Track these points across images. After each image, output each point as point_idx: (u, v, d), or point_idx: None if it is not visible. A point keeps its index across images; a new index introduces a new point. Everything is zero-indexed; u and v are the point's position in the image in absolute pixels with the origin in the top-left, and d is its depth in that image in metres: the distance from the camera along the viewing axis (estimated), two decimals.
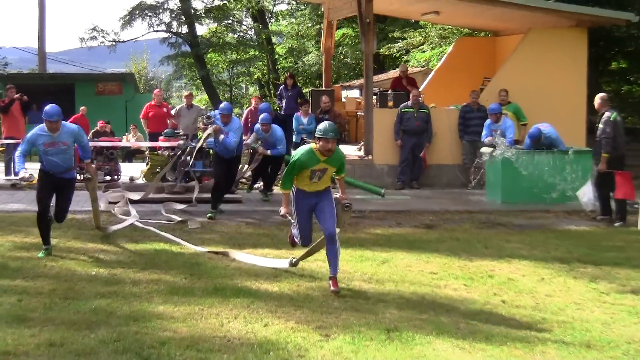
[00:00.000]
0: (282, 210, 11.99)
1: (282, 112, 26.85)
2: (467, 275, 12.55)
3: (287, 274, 12.17)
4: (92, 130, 25.77)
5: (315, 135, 11.56)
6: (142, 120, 26.87)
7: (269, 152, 19.76)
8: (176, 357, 7.95)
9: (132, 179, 24.50)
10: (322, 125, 11.50)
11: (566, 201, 19.82)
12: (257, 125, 19.85)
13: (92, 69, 53.16)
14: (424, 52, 36.01)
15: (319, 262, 13.00)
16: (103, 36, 52.52)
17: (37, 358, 7.76)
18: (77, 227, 15.89)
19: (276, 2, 50.21)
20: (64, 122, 13.61)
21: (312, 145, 11.63)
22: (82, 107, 28.59)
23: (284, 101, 26.91)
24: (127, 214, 17.17)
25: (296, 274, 12.24)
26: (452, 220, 18.39)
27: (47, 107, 13.26)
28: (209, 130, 18.15)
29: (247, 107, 28.57)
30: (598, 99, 18.83)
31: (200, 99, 52.28)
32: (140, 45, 60.57)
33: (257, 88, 55.51)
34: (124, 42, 54.05)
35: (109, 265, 12.38)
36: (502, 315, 10.23)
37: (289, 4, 50.99)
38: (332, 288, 11.06)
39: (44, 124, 13.27)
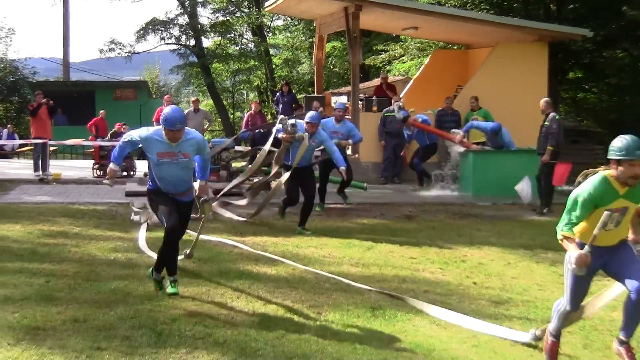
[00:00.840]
0: (577, 264, 6.96)
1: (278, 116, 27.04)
2: (443, 260, 12.63)
3: (284, 260, 12.09)
4: (111, 132, 25.74)
5: (611, 157, 7.08)
6: (155, 122, 26.93)
7: (350, 141, 18.66)
8: (186, 332, 7.99)
9: (146, 174, 24.55)
10: (623, 141, 7.01)
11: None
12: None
13: (110, 77, 53.05)
14: (404, 62, 35.96)
15: (311, 248, 13.21)
16: (120, 48, 52.43)
17: (63, 333, 7.79)
18: (98, 217, 15.86)
19: (273, 18, 50.05)
20: (187, 128, 9.83)
21: (606, 172, 7.19)
22: (102, 111, 28.64)
23: (280, 106, 26.92)
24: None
25: (293, 258, 12.21)
26: (429, 211, 18.39)
27: (168, 111, 9.52)
28: (306, 141, 14.78)
29: (247, 111, 28.51)
30: (543, 102, 19.10)
31: (206, 104, 52.13)
32: (152, 56, 60.43)
33: (257, 94, 55.37)
34: (138, 53, 53.94)
35: (125, 251, 12.39)
36: (473, 295, 10.30)
37: (284, 20, 50.81)
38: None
39: (161, 128, 9.61)
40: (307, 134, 14.96)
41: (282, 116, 15.38)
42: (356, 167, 22.60)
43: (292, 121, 15.24)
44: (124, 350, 7.37)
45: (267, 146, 17.51)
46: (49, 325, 7.83)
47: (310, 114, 16.27)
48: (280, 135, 15.33)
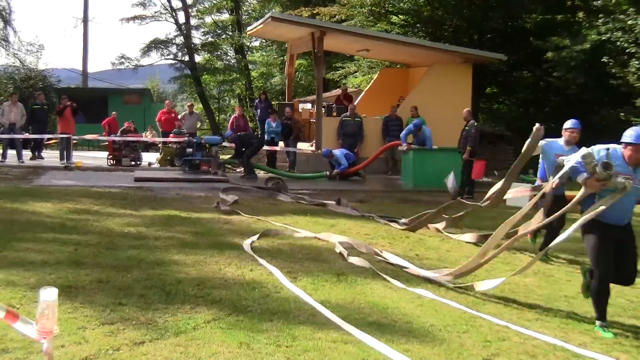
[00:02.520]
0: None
1: (257, 119, 27.17)
2: (391, 236, 12.64)
3: (265, 234, 12.03)
4: (121, 129, 25.62)
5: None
6: (157, 122, 26.85)
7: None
8: (189, 292, 7.95)
9: (150, 164, 24.49)
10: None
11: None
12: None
13: (120, 85, 52.69)
14: (357, 77, 36.01)
15: (287, 224, 13.09)
16: (128, 62, 52.66)
17: (90, 291, 7.75)
18: (113, 198, 15.71)
19: (252, 40, 50.07)
20: None
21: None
22: (113, 113, 28.47)
23: (259, 110, 27.00)
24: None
25: (273, 234, 12.19)
26: (378, 197, 18.44)
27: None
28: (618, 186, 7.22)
29: (231, 115, 28.38)
30: (465, 111, 19.54)
31: (197, 107, 51.98)
32: (154, 68, 60.13)
33: (237, 101, 55.41)
34: (142, 66, 54.25)
35: (137, 226, 12.31)
36: (416, 264, 10.21)
37: (261, 41, 50.82)
38: None
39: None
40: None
41: (586, 150, 7.41)
42: (318, 161, 22.72)
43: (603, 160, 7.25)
44: (140, 306, 7.34)
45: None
46: (79, 285, 7.78)
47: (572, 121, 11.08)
48: (582, 178, 7.57)
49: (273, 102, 34.30)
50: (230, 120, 26.19)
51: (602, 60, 25.40)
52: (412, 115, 23.36)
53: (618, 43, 25.26)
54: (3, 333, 6.30)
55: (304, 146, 24.28)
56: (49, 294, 3.00)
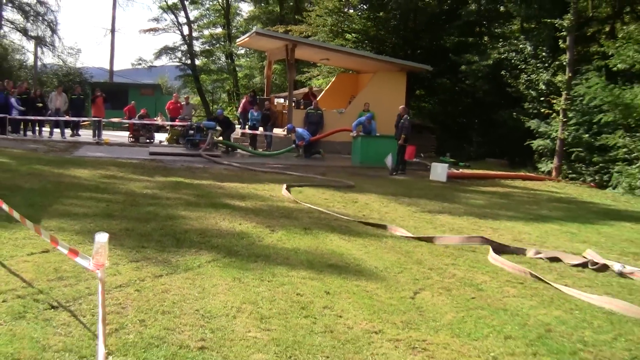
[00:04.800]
0: None
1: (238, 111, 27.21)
2: (344, 201, 12.62)
3: (250, 198, 12.09)
4: (138, 114, 25.35)
5: None
6: (166, 110, 26.64)
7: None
8: (194, 239, 7.94)
9: (160, 142, 24.37)
10: None
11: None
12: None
13: (137, 81, 52.13)
14: (319, 80, 35.92)
15: (264, 191, 13.09)
16: (144, 63, 52.56)
17: (119, 236, 7.71)
18: (134, 167, 15.59)
19: (239, 49, 49.70)
20: None
21: None
22: (132, 102, 28.21)
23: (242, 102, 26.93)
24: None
25: (255, 197, 12.19)
26: (331, 170, 18.37)
27: None
28: None
29: (243, 99, 28.00)
30: (401, 108, 19.85)
31: (195, 99, 51.89)
32: (164, 68, 59.58)
33: (227, 95, 55.26)
34: (155, 66, 53.98)
35: (152, 188, 12.22)
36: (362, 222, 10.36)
37: (246, 50, 50.56)
38: None
39: None
40: None
41: None
42: (288, 142, 22.70)
43: None
44: (158, 248, 7.33)
45: None
46: (111, 232, 7.65)
47: None
48: None
49: None
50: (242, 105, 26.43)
51: (501, 73, 25.80)
52: (364, 110, 23.23)
53: (512, 61, 25.80)
54: (59, 266, 6.32)
55: (278, 131, 24.23)
56: (102, 237, 3.06)
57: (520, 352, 4.98)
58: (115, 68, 52.85)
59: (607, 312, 6.23)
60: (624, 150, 19.50)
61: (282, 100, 29.16)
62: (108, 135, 25.36)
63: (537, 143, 23.29)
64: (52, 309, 5.15)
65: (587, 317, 6.00)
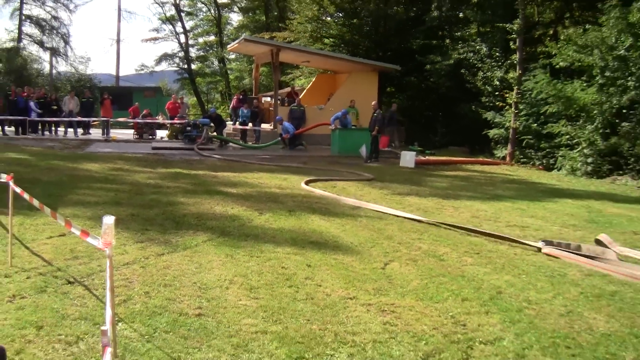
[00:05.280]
0: None
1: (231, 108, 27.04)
2: (323, 186, 12.63)
3: (240, 185, 12.11)
4: (142, 114, 25.21)
5: None
6: (166, 109, 26.49)
7: None
8: (191, 222, 8.04)
9: (162, 138, 24.31)
10: None
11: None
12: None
13: (140, 84, 51.81)
14: (301, 80, 35.81)
15: (254, 179, 13.08)
16: (146, 68, 52.47)
17: (126, 221, 7.82)
18: (138, 160, 15.63)
19: (230, 54, 49.33)
20: None
21: None
22: (136, 103, 27.92)
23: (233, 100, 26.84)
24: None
25: (245, 185, 12.21)
26: (315, 160, 18.44)
27: None
28: None
29: (234, 98, 27.85)
30: (374, 103, 20.29)
31: (191, 99, 51.60)
32: (164, 73, 59.14)
33: (220, 95, 54.97)
34: (156, 71, 53.69)
35: (155, 179, 12.27)
36: (340, 204, 10.37)
37: (236, 55, 50.16)
38: None
39: None
40: None
41: None
42: (275, 136, 22.68)
43: None
44: (160, 230, 7.41)
45: None
46: (119, 217, 7.73)
47: None
48: None
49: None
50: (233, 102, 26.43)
51: (461, 71, 25.84)
52: (350, 106, 23.18)
53: (471, 60, 25.84)
54: (74, 247, 6.40)
55: (265, 126, 24.20)
56: (108, 219, 3.16)
57: (474, 311, 5.13)
58: (120, 73, 52.74)
59: (549, 275, 6.39)
60: (567, 137, 19.76)
61: (269, 99, 29.09)
62: (115, 133, 25.20)
63: (493, 132, 23.46)
64: (69, 284, 5.26)
65: (532, 280, 6.17)
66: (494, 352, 4.31)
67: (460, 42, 28.35)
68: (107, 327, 2.82)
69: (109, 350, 2.55)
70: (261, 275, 5.80)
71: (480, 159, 22.45)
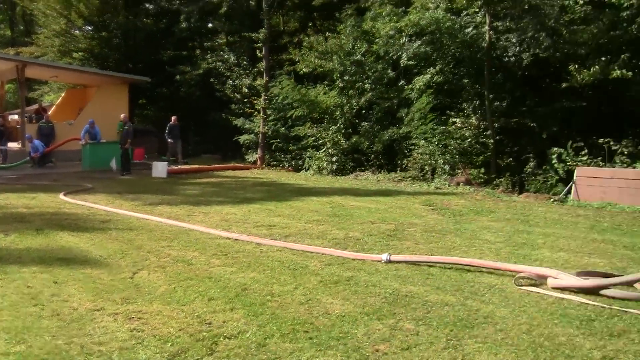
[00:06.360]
0: None
1: None
2: (75, 203, 12.05)
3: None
4: None
5: None
6: None
7: None
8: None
9: None
10: None
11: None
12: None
13: None
14: (50, 95, 34.26)
15: (1, 200, 12.32)
16: None
17: None
18: None
19: None
20: None
21: None
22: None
23: None
24: None
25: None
26: (65, 176, 17.64)
27: None
28: None
29: None
30: (122, 116, 20.18)
31: None
32: None
33: None
34: None
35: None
36: (87, 218, 10.18)
37: None
38: None
39: None
40: None
41: None
42: (22, 156, 21.65)
43: None
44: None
45: None
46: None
47: None
48: None
49: None
50: None
51: (211, 80, 26.82)
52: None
53: (220, 69, 26.89)
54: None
55: (13, 145, 22.91)
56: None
57: (220, 309, 5.31)
58: None
59: (292, 269, 6.78)
60: (313, 138, 21.19)
61: (15, 117, 27.58)
62: None
63: (243, 138, 24.33)
64: None
65: (276, 275, 6.49)
66: (238, 345, 4.49)
67: (209, 52, 29.32)
68: None
69: None
70: (4, 297, 5.60)
71: (232, 164, 23.16)
